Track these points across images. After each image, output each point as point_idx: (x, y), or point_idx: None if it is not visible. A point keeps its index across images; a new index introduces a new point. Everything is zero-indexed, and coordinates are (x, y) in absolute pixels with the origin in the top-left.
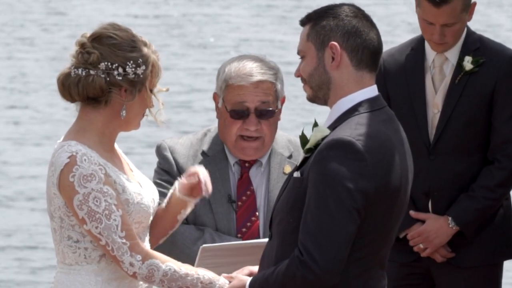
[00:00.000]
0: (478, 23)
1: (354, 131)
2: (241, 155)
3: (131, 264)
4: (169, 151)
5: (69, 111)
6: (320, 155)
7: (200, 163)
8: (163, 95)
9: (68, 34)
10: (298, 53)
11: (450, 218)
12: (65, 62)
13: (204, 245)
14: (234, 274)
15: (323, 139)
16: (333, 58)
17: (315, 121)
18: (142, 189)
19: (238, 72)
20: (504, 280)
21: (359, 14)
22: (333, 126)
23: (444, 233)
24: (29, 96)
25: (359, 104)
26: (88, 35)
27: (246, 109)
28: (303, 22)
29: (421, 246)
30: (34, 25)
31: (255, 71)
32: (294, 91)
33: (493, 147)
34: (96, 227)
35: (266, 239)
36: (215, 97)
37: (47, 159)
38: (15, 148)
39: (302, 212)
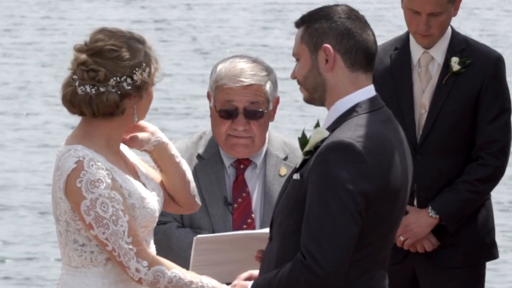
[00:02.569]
0: None
1: (354, 132)
2: (232, 153)
3: (137, 270)
4: None
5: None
6: (320, 157)
7: (196, 166)
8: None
9: (65, 40)
10: (293, 55)
11: (430, 207)
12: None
13: (198, 236)
14: (235, 281)
15: (322, 141)
16: (326, 61)
17: (318, 122)
18: (148, 192)
19: (228, 73)
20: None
21: (352, 15)
22: (332, 128)
23: (424, 222)
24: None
25: (358, 105)
26: (84, 49)
27: (235, 109)
28: (297, 24)
29: (401, 238)
30: (33, 29)
31: (245, 73)
32: None
33: (478, 147)
34: (103, 233)
35: (261, 230)
36: (208, 96)
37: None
38: None
39: (302, 214)
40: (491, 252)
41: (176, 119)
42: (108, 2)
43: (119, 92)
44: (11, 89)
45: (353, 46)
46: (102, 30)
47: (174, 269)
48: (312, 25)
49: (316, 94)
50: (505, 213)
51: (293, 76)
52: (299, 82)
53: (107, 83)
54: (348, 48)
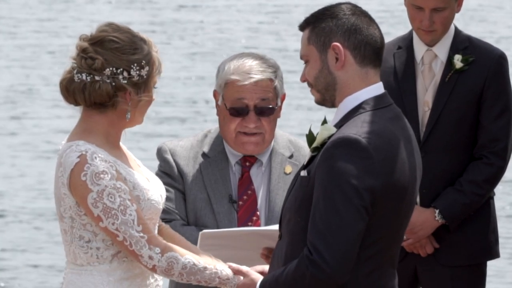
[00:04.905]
0: None
1: (360, 129)
2: (242, 150)
3: (150, 257)
4: (169, 153)
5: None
6: (326, 153)
7: (201, 164)
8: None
9: (65, 42)
10: (301, 58)
11: (437, 211)
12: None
13: (204, 231)
14: (244, 268)
15: (329, 137)
16: (337, 59)
17: (325, 118)
18: (151, 184)
19: (237, 70)
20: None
21: (357, 11)
22: (339, 125)
23: (429, 226)
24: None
25: (365, 102)
26: (88, 38)
27: (245, 106)
28: (302, 27)
29: (404, 236)
30: (35, 32)
31: (254, 69)
32: None
33: (480, 145)
34: (113, 223)
35: (267, 227)
36: (215, 94)
37: None
38: None
39: (310, 211)
40: (493, 251)
41: (176, 123)
42: (109, 4)
43: (113, 84)
44: (9, 92)
45: (362, 41)
46: (110, 24)
47: (187, 255)
48: (318, 25)
49: (327, 94)
50: None
51: (303, 79)
52: (309, 84)
53: (102, 72)
54: (357, 44)
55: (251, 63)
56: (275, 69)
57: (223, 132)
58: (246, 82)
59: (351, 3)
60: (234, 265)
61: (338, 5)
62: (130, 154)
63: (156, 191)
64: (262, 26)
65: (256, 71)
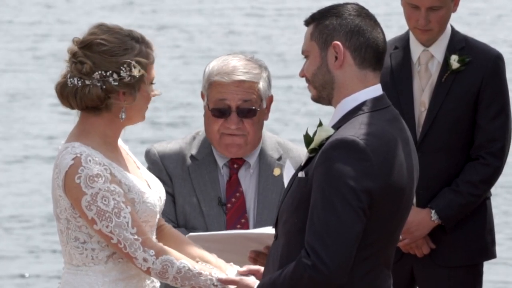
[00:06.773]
0: None
1: (358, 130)
2: (226, 153)
3: (145, 260)
4: (158, 156)
5: None
6: (324, 155)
7: (189, 167)
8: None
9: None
10: (302, 53)
11: (433, 212)
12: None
13: (191, 234)
14: (237, 277)
15: (327, 138)
16: (336, 58)
17: (320, 121)
18: (149, 187)
19: (220, 70)
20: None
21: (362, 13)
22: (337, 126)
23: (425, 226)
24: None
25: (363, 104)
26: (79, 41)
27: (227, 108)
28: (307, 22)
29: (400, 237)
30: (39, 35)
31: (237, 70)
32: None
33: (477, 145)
34: (107, 226)
35: (254, 230)
36: (202, 96)
37: None
38: None
39: (307, 213)
40: (490, 251)
41: (173, 127)
42: (110, 7)
43: (104, 87)
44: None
45: (363, 44)
46: (100, 25)
47: (183, 260)
48: (323, 22)
49: (324, 92)
50: None
51: (302, 74)
52: (307, 80)
53: (92, 76)
54: (358, 46)
55: (235, 64)
56: (261, 70)
57: (207, 133)
58: (228, 83)
59: (358, 4)
60: (224, 277)
61: (345, 4)
62: (131, 155)
63: (154, 194)
64: (261, 29)
65: (239, 72)
